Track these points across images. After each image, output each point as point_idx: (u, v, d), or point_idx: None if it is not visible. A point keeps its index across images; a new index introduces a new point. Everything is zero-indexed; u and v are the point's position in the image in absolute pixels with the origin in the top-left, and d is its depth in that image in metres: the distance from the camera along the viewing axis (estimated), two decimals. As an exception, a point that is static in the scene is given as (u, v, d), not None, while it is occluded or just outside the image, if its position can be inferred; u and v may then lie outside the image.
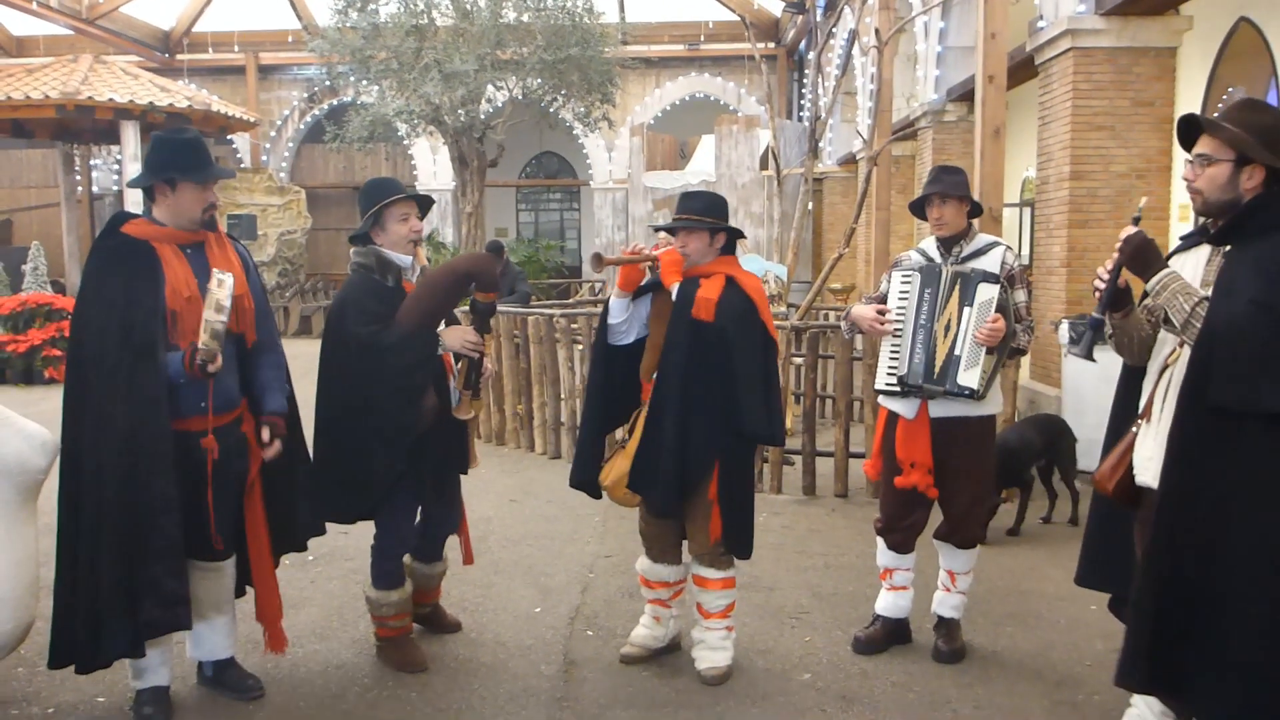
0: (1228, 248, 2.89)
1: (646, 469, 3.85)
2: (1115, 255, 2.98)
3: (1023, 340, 4.09)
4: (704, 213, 3.94)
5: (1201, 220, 3.08)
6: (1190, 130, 2.97)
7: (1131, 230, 2.96)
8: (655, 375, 3.87)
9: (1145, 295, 3.04)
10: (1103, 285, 3.03)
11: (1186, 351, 2.87)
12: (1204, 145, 2.90)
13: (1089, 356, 3.12)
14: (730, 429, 3.83)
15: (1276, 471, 2.68)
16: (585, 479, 4.08)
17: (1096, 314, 3.08)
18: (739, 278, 3.93)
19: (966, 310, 3.98)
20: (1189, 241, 3.10)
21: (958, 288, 4.01)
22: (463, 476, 4.27)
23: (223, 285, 3.47)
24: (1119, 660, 2.95)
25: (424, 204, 4.09)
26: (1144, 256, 2.94)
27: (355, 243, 4.05)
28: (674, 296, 3.83)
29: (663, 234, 4.10)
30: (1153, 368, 3.11)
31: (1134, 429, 3.12)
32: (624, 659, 4.15)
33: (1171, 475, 2.83)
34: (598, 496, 4.13)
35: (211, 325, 3.43)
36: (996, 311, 3.92)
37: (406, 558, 4.23)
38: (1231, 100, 2.89)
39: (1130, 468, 3.08)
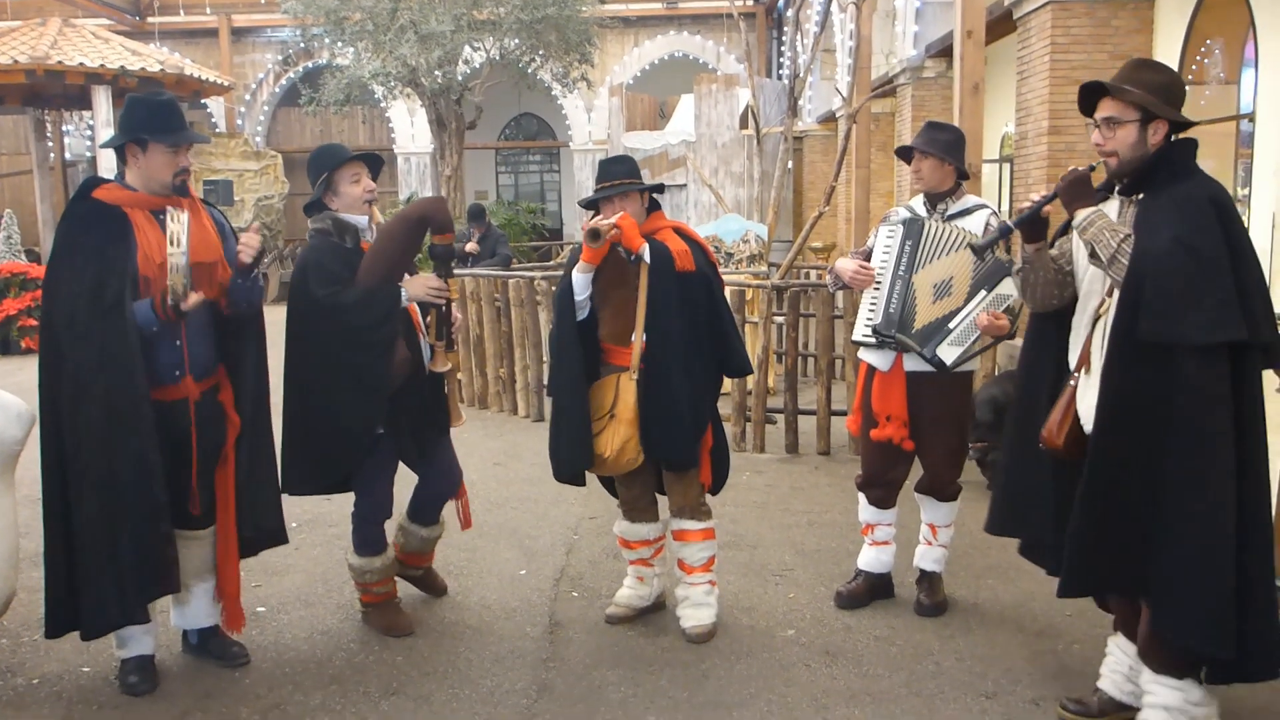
0: (1140, 196, 3.06)
1: (660, 429, 3.86)
2: (1052, 186, 3.21)
3: (1014, 328, 4.09)
4: (630, 176, 4.00)
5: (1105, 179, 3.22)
6: (1090, 96, 3.12)
7: (1080, 168, 3.16)
8: (645, 336, 3.85)
9: (1061, 232, 3.27)
10: (1028, 206, 3.24)
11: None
12: (1108, 109, 3.06)
13: (981, 255, 3.47)
14: (718, 371, 4.02)
15: (1204, 402, 2.86)
16: (582, 466, 3.96)
17: (1011, 223, 3.31)
18: (680, 228, 4.06)
19: (983, 293, 3.99)
20: (1097, 198, 3.18)
21: (975, 262, 3.97)
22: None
23: (178, 220, 3.46)
24: (1061, 578, 3.17)
25: (373, 163, 4.04)
26: (1079, 190, 3.12)
27: (310, 211, 4.00)
28: (646, 257, 3.83)
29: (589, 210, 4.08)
30: (1083, 320, 3.23)
31: (1071, 381, 3.21)
32: (609, 619, 4.17)
33: (1106, 411, 3.00)
34: (583, 484, 4.11)
35: (173, 260, 3.41)
36: (1006, 312, 3.95)
37: (403, 520, 4.25)
38: (1127, 63, 3.15)
39: (1077, 419, 3.16)
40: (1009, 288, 3.92)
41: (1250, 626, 2.87)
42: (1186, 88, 3.21)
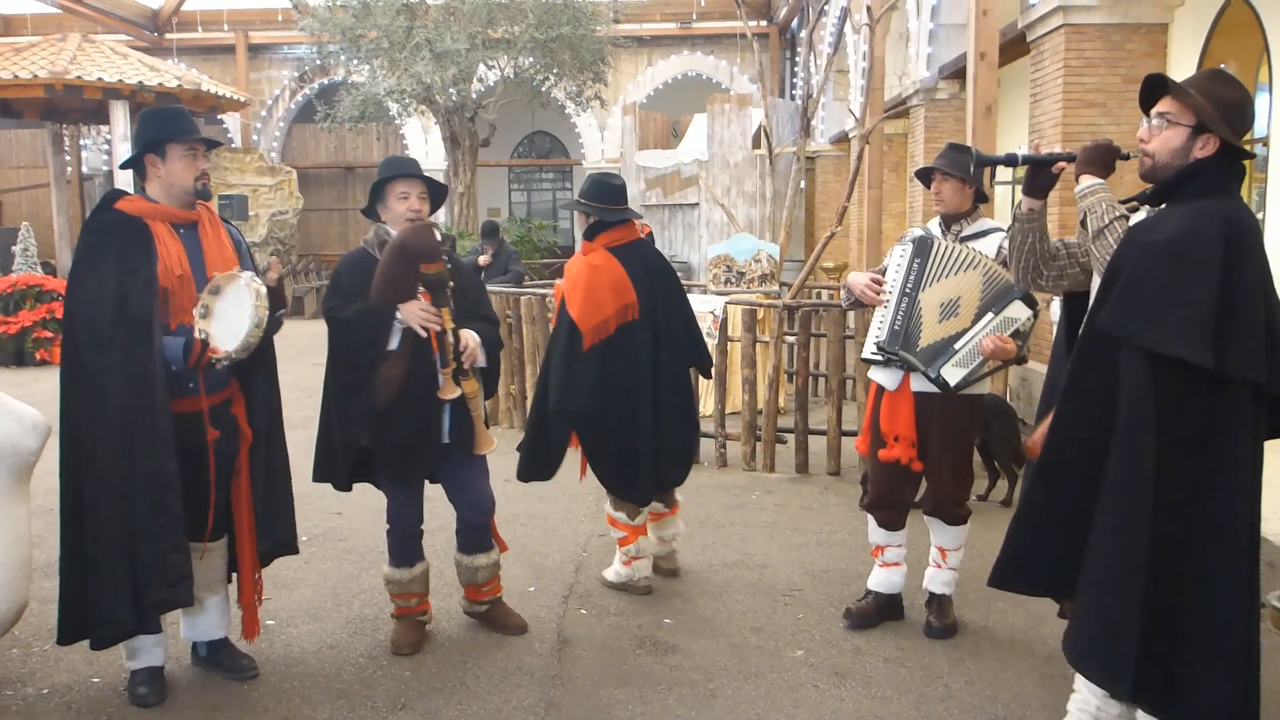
0: (1163, 206, 2.91)
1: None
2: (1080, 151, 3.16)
3: (1023, 351, 4.01)
4: (585, 196, 4.54)
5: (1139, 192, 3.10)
6: (1153, 91, 2.96)
7: (1114, 144, 3.11)
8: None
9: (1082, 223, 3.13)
10: (1048, 152, 3.23)
11: None
12: (1166, 105, 2.89)
13: (984, 165, 3.50)
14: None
15: (1144, 411, 2.70)
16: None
17: (1019, 154, 3.31)
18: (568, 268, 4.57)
19: (990, 315, 3.92)
20: (1125, 208, 3.07)
21: (983, 283, 3.93)
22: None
23: (261, 298, 3.45)
24: (996, 563, 3.06)
25: (433, 188, 4.02)
26: (1098, 157, 3.08)
27: (367, 216, 4.10)
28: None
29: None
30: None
31: None
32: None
33: (1063, 404, 2.94)
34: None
35: (247, 340, 3.43)
36: (1014, 336, 3.87)
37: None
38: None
39: None
40: (1018, 311, 3.88)
41: (1185, 670, 2.69)
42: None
